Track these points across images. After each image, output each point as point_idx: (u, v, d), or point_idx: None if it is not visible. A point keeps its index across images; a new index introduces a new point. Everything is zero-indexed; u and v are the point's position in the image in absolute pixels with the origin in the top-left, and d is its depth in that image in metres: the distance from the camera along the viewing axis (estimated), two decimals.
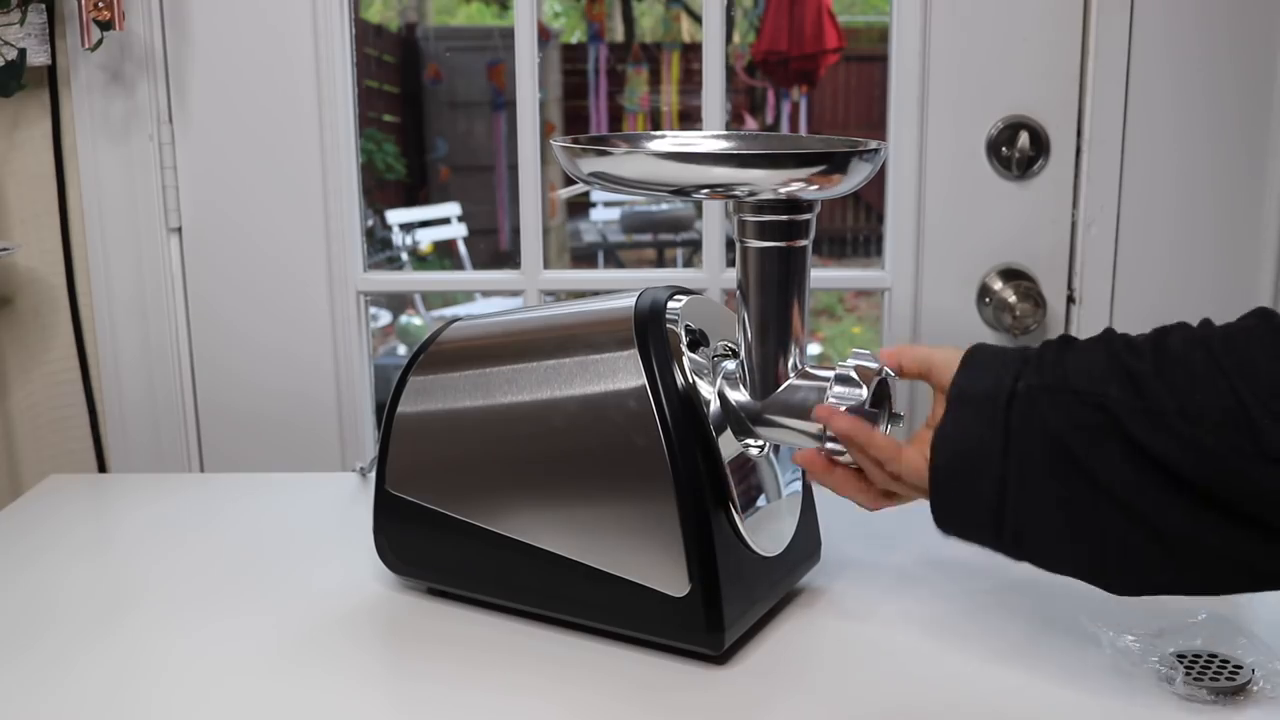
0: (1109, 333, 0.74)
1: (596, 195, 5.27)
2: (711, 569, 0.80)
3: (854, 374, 0.80)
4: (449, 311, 4.58)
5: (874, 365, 0.81)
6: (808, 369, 0.84)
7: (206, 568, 1.01)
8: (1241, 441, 0.65)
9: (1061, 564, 0.74)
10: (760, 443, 0.87)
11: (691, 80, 5.41)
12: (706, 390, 0.84)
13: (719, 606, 0.80)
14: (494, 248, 5.38)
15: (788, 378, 0.84)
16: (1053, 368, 0.73)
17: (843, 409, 0.79)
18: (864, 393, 0.79)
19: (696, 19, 5.79)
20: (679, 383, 0.82)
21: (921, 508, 0.86)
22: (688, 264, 5.28)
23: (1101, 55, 1.28)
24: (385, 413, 0.94)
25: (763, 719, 0.78)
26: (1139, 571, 0.71)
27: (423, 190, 5.45)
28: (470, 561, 0.90)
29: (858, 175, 0.79)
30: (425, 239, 5.13)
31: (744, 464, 0.85)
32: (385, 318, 4.53)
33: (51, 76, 1.29)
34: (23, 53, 1.24)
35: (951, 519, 0.76)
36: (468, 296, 4.46)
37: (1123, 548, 0.70)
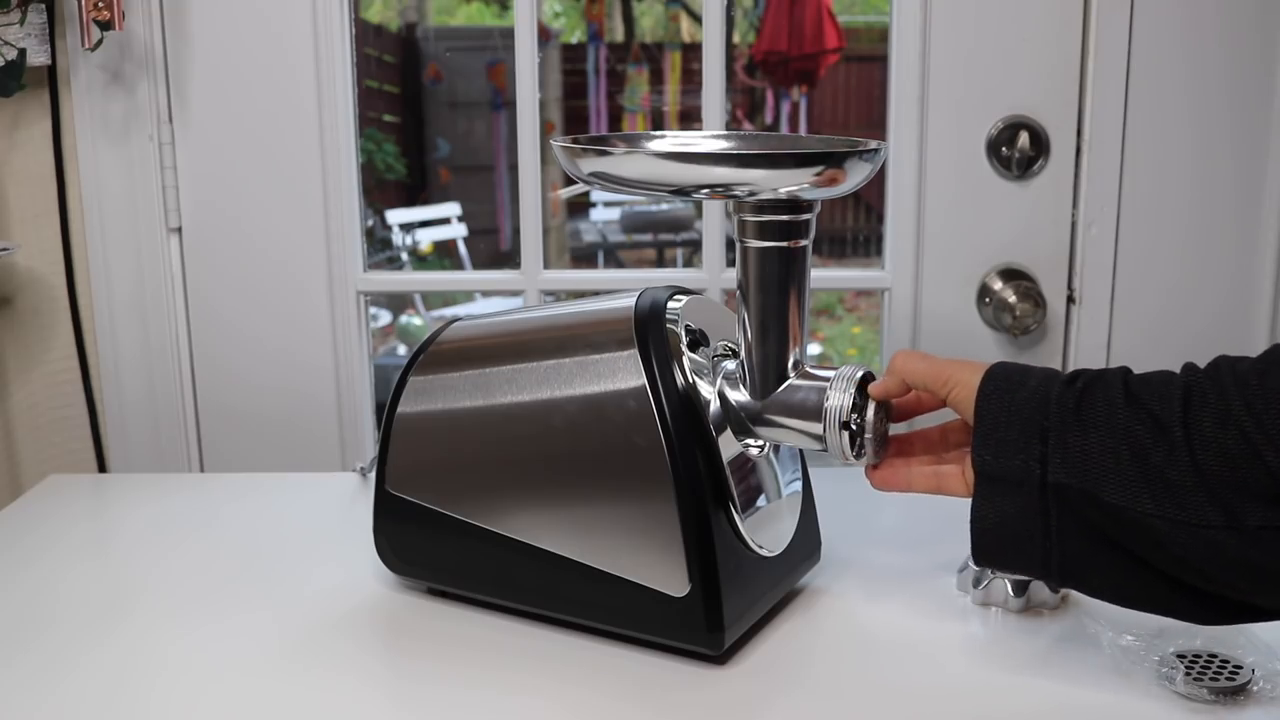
0: (1128, 397, 0.71)
1: (596, 195, 5.27)
2: (711, 569, 0.80)
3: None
4: (449, 311, 4.58)
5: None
6: (808, 369, 0.84)
7: (206, 568, 1.01)
8: None
9: (1119, 601, 0.75)
10: (760, 443, 0.87)
11: (691, 80, 5.41)
12: (706, 390, 0.84)
13: (719, 606, 0.80)
14: (494, 248, 5.37)
15: (788, 378, 0.84)
16: (1078, 460, 0.71)
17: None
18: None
19: (696, 19, 5.79)
20: (679, 383, 0.82)
21: (920, 511, 0.86)
22: (688, 264, 5.28)
23: (1101, 55, 1.28)
24: (385, 413, 0.94)
25: (762, 719, 0.78)
26: (1193, 616, 0.73)
27: (423, 190, 5.45)
28: (470, 561, 0.90)
29: (858, 175, 0.79)
30: (425, 239, 5.13)
31: (744, 464, 0.85)
32: (385, 318, 4.53)
33: (51, 76, 1.29)
34: (23, 53, 1.24)
35: (997, 567, 0.79)
36: (468, 296, 4.46)
37: (1172, 602, 0.71)
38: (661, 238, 5.57)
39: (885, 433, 0.84)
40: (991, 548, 0.75)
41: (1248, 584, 0.68)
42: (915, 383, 0.80)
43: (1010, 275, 1.32)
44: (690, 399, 0.82)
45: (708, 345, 0.87)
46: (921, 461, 0.83)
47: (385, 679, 0.84)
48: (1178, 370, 0.72)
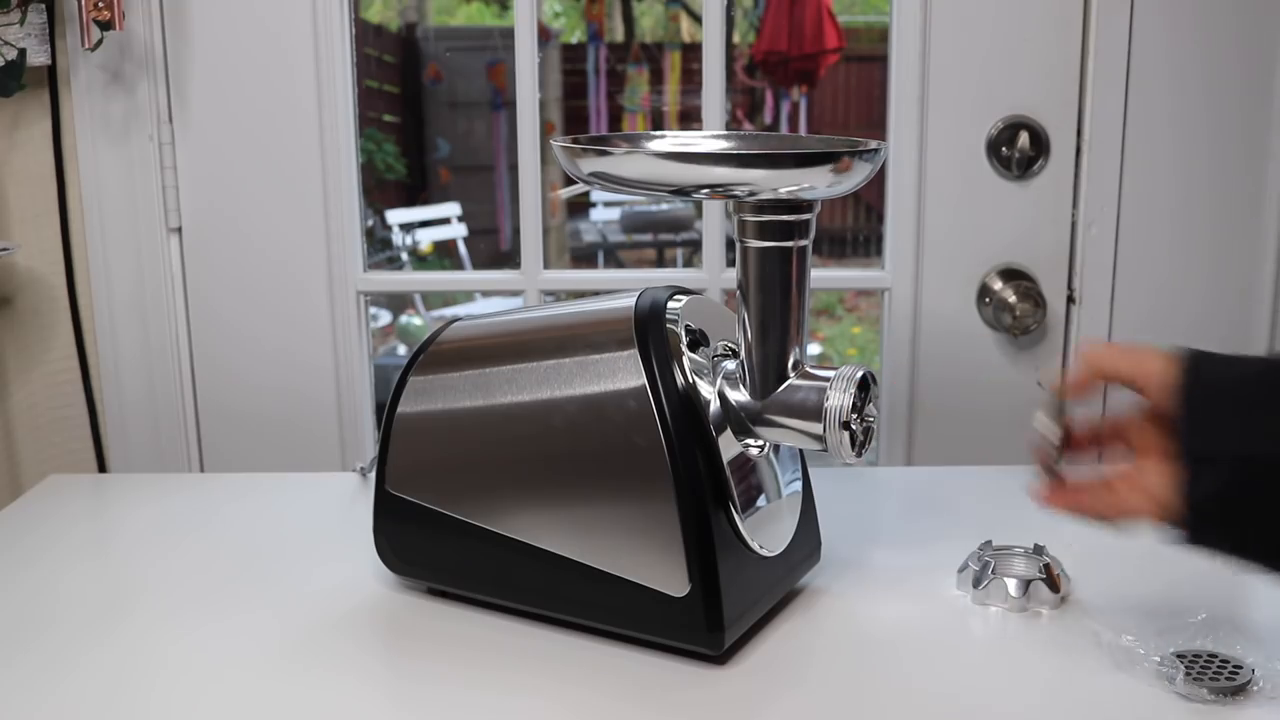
0: None
1: (596, 195, 5.27)
2: (711, 569, 0.80)
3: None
4: (449, 311, 4.58)
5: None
6: (808, 369, 0.84)
7: (206, 568, 1.01)
8: None
9: None
10: (760, 443, 0.87)
11: (691, 80, 5.41)
12: (706, 390, 0.84)
13: (719, 606, 0.80)
14: (494, 248, 5.38)
15: (788, 378, 0.84)
16: None
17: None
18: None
19: (696, 19, 5.79)
20: (679, 383, 0.82)
21: (920, 511, 0.87)
22: (688, 264, 5.29)
23: (1101, 55, 1.28)
24: (385, 413, 0.94)
25: (762, 718, 0.78)
26: None
27: (423, 190, 5.46)
28: (470, 561, 0.90)
29: (858, 175, 0.79)
30: (425, 239, 5.14)
31: (744, 464, 0.85)
32: (385, 318, 4.53)
33: (51, 76, 1.29)
34: (23, 53, 1.24)
35: (1210, 546, 0.75)
36: (468, 296, 4.46)
37: None
38: (661, 238, 5.58)
39: (1063, 445, 0.80)
40: (1205, 529, 0.72)
41: None
42: (1106, 368, 0.77)
43: (1010, 275, 1.32)
44: (690, 399, 0.82)
45: (708, 345, 0.87)
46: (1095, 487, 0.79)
47: (385, 679, 0.84)
48: None
